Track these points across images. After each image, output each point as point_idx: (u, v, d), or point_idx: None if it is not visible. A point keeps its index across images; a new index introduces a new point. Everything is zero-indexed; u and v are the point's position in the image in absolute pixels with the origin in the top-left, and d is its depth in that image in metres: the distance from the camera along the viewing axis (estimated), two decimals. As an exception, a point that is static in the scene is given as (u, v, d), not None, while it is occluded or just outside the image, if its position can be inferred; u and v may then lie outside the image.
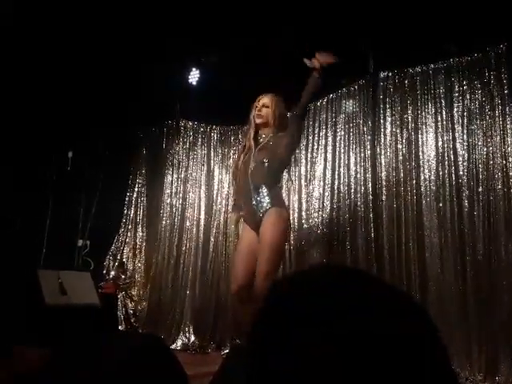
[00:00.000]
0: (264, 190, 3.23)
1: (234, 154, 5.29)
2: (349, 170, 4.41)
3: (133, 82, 4.85)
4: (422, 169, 3.92)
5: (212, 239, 5.21)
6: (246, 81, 4.47)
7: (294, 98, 3.30)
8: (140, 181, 5.65)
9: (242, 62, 4.60)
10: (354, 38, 4.15)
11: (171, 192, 5.47)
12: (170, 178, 5.52)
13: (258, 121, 3.37)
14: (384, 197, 4.10)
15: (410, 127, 4.05)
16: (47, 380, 0.66)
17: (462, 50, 3.82)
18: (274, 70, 4.33)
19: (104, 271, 5.28)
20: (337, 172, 4.48)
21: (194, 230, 5.29)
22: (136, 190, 5.62)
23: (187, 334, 4.96)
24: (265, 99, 3.39)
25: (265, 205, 3.21)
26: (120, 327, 5.03)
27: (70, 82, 4.65)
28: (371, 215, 4.15)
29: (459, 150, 3.76)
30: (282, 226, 3.16)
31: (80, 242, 5.08)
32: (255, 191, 3.25)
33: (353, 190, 4.35)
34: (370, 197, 4.20)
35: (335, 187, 4.46)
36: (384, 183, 4.12)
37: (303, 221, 4.65)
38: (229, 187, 5.19)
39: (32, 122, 4.62)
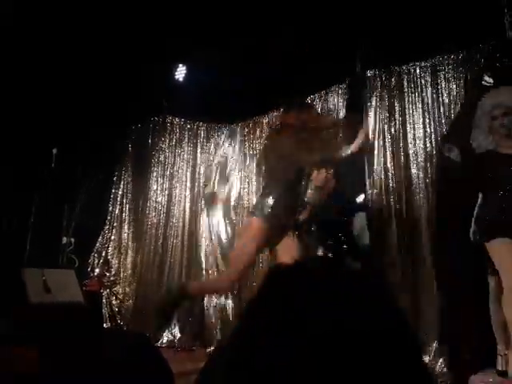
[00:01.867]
0: None
1: (221, 152, 5.29)
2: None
3: (120, 79, 4.81)
4: (409, 166, 3.94)
5: (198, 236, 5.19)
6: (235, 79, 4.48)
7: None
8: (125, 177, 5.60)
9: (231, 60, 4.59)
10: (341, 36, 4.17)
11: (157, 189, 5.44)
12: (155, 174, 5.48)
13: None
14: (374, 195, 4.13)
15: (397, 125, 4.07)
16: (47, 380, 0.65)
17: (449, 48, 3.86)
18: (271, 70, 4.34)
19: (89, 269, 5.24)
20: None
21: (180, 226, 5.27)
22: (121, 187, 5.57)
23: (173, 332, 4.94)
24: None
25: None
26: (105, 325, 4.99)
27: (59, 80, 4.61)
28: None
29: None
30: None
31: (64, 240, 5.03)
32: None
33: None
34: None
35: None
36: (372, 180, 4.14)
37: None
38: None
39: (17, 119, 4.56)
